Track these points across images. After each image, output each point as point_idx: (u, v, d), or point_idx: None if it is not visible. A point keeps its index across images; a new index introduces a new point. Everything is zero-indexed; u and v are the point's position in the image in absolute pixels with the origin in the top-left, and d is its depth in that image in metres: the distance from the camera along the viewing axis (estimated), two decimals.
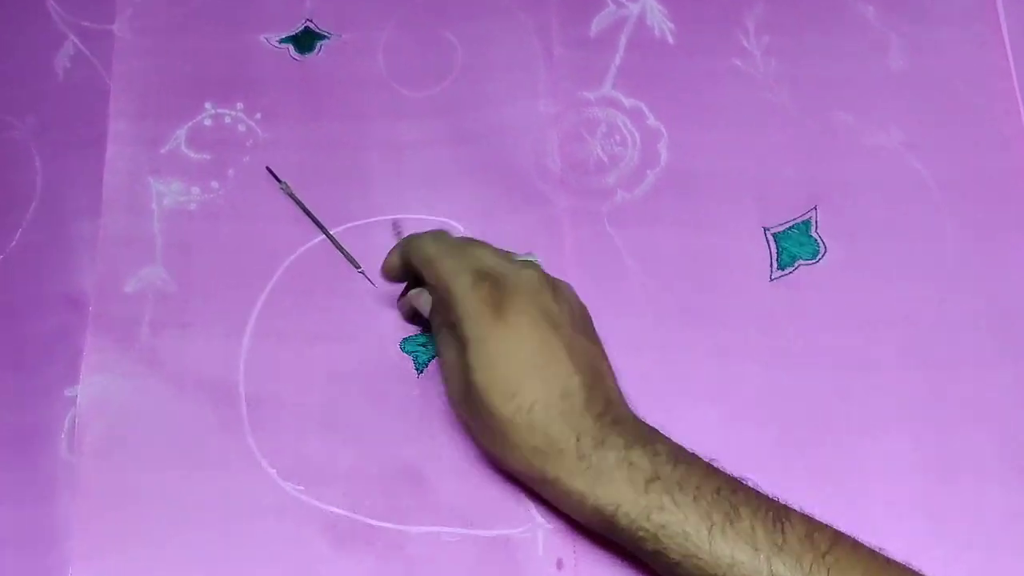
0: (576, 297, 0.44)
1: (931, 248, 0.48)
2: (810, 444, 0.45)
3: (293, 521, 0.43)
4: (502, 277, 0.41)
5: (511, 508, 0.43)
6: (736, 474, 0.39)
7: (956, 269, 0.48)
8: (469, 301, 0.40)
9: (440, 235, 0.44)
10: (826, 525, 0.37)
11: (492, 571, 0.43)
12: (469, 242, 0.44)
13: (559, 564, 0.43)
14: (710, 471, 0.38)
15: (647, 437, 0.39)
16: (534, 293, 0.40)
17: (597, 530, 0.40)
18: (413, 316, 0.46)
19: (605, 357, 0.42)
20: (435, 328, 0.43)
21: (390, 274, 0.45)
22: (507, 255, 0.43)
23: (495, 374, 0.39)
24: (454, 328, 0.40)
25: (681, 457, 0.38)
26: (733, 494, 0.37)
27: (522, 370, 0.39)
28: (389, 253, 0.45)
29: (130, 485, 0.44)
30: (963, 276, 0.48)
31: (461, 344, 0.40)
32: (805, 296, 0.47)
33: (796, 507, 0.38)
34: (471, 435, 0.43)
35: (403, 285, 0.46)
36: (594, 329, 0.43)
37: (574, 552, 0.43)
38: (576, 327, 0.41)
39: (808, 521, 0.37)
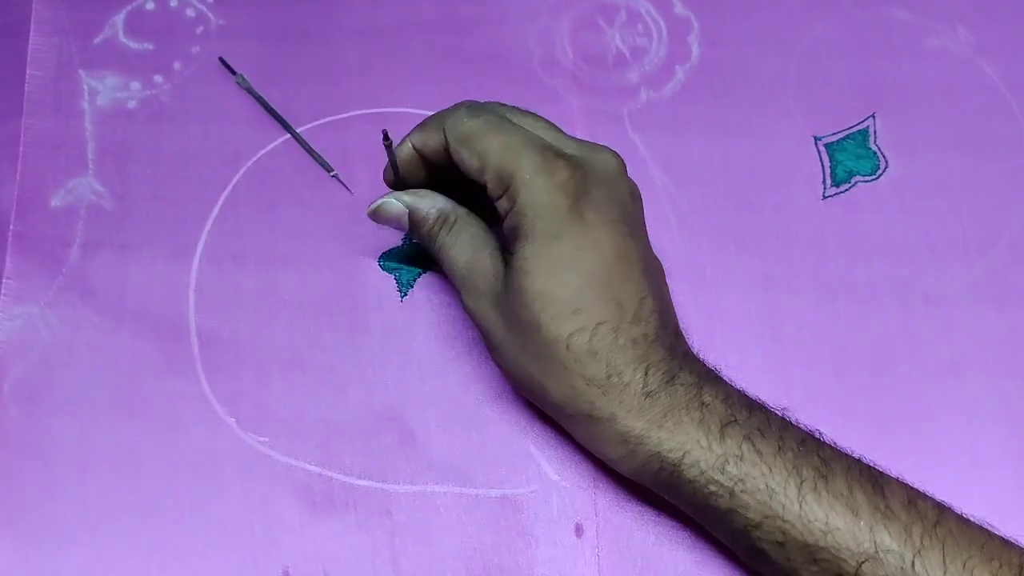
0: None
1: (1006, 163, 0.46)
2: (872, 392, 0.42)
3: (256, 480, 0.40)
4: (578, 159, 0.35)
5: (518, 463, 0.40)
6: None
7: None
8: (540, 185, 0.34)
9: (475, 107, 0.36)
10: (924, 492, 0.33)
11: (495, 538, 0.39)
12: (512, 110, 0.37)
13: (578, 530, 0.39)
14: (787, 422, 0.34)
15: (715, 378, 0.35)
16: (615, 187, 0.35)
17: (648, 484, 0.35)
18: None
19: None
20: (441, 226, 0.38)
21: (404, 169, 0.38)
22: (561, 132, 0.37)
23: (558, 283, 0.34)
24: (488, 224, 0.36)
25: (755, 404, 0.35)
26: (820, 448, 0.33)
27: (592, 283, 0.34)
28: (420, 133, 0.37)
29: (58, 437, 0.41)
30: None
31: (512, 239, 0.35)
32: (863, 217, 0.45)
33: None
34: (493, 352, 0.37)
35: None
36: None
37: (595, 516, 0.40)
38: (647, 239, 0.37)
39: (905, 486, 0.33)
